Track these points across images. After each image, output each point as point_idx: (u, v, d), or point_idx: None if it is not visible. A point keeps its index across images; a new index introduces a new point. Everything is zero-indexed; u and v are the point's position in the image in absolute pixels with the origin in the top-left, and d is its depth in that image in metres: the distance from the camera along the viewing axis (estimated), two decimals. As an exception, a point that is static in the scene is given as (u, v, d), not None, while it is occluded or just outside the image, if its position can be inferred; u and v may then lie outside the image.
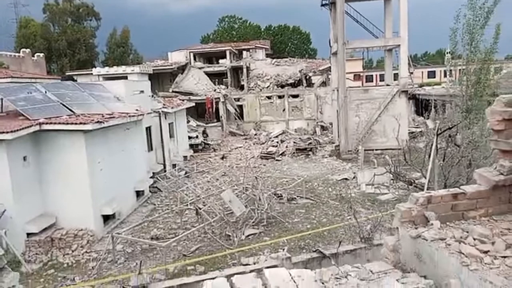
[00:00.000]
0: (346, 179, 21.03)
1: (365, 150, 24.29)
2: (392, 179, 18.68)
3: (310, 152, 28.54)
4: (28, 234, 13.11)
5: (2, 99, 15.01)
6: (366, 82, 58.27)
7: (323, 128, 37.84)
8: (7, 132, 12.09)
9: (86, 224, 13.99)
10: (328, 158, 26.97)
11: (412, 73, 34.76)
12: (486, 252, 3.71)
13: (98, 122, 14.17)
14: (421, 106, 36.92)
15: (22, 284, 10.76)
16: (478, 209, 4.50)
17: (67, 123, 13.74)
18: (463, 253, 3.69)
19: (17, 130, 12.41)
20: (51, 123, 13.63)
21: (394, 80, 31.63)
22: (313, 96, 40.04)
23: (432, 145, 12.41)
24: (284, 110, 40.43)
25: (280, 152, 28.56)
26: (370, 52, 35.36)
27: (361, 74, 59.43)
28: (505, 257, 3.65)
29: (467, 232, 4.08)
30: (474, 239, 3.90)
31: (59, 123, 13.72)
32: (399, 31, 27.22)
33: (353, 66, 52.17)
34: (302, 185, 18.78)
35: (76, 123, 13.76)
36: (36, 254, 12.93)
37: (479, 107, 15.37)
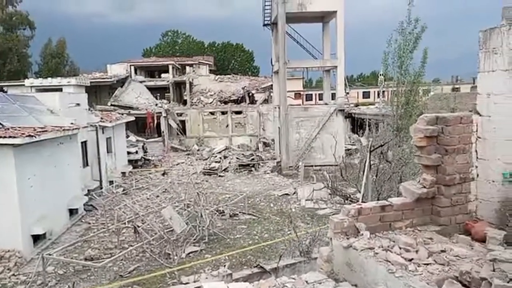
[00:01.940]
0: (287, 194, 21.43)
1: (305, 166, 25.00)
2: (330, 194, 19.36)
3: (253, 168, 28.76)
4: None
5: None
6: (306, 100, 60.23)
7: (265, 144, 38.41)
8: None
9: (14, 245, 13.02)
10: (270, 174, 27.36)
11: (348, 93, 36.57)
12: (410, 260, 4.00)
13: (29, 136, 13.37)
14: (357, 124, 38.85)
15: None
16: (404, 220, 4.84)
17: (-6, 137, 12.83)
18: (389, 261, 3.95)
19: None
20: (-25, 136, 12.66)
21: (332, 99, 32.92)
22: (255, 113, 40.65)
23: (365, 161, 13.08)
24: (227, 126, 40.60)
25: (223, 168, 28.52)
26: (309, 72, 36.70)
27: (302, 92, 61.37)
28: (427, 264, 3.95)
29: (394, 241, 4.38)
30: (400, 248, 4.19)
31: (-16, 136, 12.77)
32: (337, 53, 28.58)
33: (294, 84, 53.76)
34: (244, 201, 18.85)
35: (4, 137, 12.88)
36: (-47, 279, 11.80)
37: (409, 126, 16.46)
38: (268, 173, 27.83)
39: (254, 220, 17.40)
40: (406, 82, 16.80)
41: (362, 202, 12.89)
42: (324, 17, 30.86)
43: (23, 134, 13.31)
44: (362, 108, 41.71)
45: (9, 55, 46.69)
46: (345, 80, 29.61)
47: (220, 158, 31.35)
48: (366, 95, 63.53)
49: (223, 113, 40.93)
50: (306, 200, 19.67)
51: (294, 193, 21.35)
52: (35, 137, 13.72)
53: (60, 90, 21.62)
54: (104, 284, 11.57)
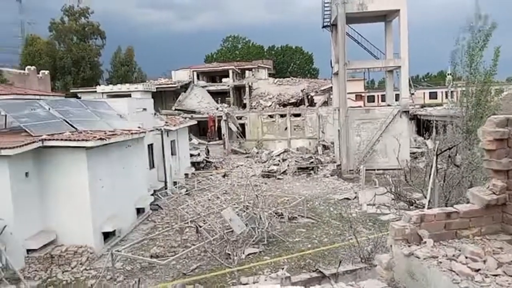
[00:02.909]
0: (347, 198, 21.00)
1: (366, 169, 24.36)
2: (393, 199, 18.68)
3: (312, 171, 28.56)
4: (28, 251, 13.12)
5: (6, 115, 15.24)
6: (368, 102, 58.61)
7: (325, 147, 37.94)
8: (10, 148, 12.24)
9: (86, 241, 14.01)
10: (330, 178, 26.98)
11: (413, 94, 35.10)
12: (477, 270, 3.78)
13: (100, 139, 14.34)
14: (422, 126, 37.10)
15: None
16: (471, 228, 4.57)
17: (69, 140, 13.90)
18: (454, 271, 3.76)
19: (20, 146, 12.56)
20: (53, 139, 13.80)
21: (396, 100, 31.87)
22: (315, 115, 40.31)
23: (432, 165, 12.49)
24: (286, 129, 40.66)
25: (281, 171, 28.59)
26: (371, 72, 35.69)
27: (363, 94, 59.83)
28: (496, 275, 3.71)
29: (460, 250, 4.15)
30: (466, 257, 3.97)
31: (62, 139, 13.88)
32: (400, 53, 27.60)
33: (354, 86, 52.59)
34: (303, 204, 18.75)
35: (78, 140, 13.93)
36: (36, 270, 12.91)
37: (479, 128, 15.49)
38: (327, 176, 27.46)
39: (313, 223, 17.25)
40: (477, 82, 15.89)
41: (428, 208, 12.33)
42: (386, 16, 29.95)
43: (94, 137, 14.30)
44: (429, 109, 39.73)
45: (82, 63, 50.32)
46: (409, 81, 28.49)
47: (279, 161, 31.46)
48: (433, 95, 60.49)
49: (282, 116, 41.04)
50: (367, 205, 19.15)
51: (355, 197, 20.88)
52: (106, 140, 14.69)
53: (129, 96, 22.92)
54: (168, 281, 12.08)
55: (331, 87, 35.88)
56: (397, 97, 31.74)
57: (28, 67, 41.41)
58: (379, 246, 11.95)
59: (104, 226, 14.90)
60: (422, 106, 47.05)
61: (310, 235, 15.84)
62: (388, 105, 30.57)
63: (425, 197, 15.07)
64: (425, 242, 4.32)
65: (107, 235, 15.26)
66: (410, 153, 27.84)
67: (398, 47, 28.28)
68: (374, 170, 26.13)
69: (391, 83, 32.46)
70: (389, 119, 27.26)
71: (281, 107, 43.06)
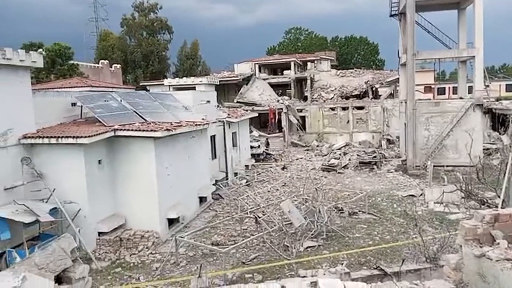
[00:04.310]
0: (412, 195, 20.16)
1: (434, 166, 23.17)
2: (463, 198, 17.62)
3: (375, 166, 27.75)
4: (99, 233, 14.11)
5: (81, 106, 16.37)
6: (438, 94, 55.50)
7: (389, 141, 36.62)
8: (85, 137, 13.21)
9: (152, 227, 14.77)
10: (394, 173, 26.05)
11: (488, 86, 32.60)
12: (560, 277, 3.46)
13: (167, 129, 15.01)
14: (498, 121, 34.50)
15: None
16: (553, 231, 4.19)
17: (139, 130, 14.70)
18: (532, 276, 3.47)
19: (94, 135, 13.50)
20: (124, 129, 14.65)
21: (469, 93, 29.96)
22: (379, 108, 38.98)
23: (508, 162, 11.58)
24: (348, 122, 39.75)
25: (342, 165, 28.07)
26: (442, 63, 33.63)
27: (432, 86, 56.71)
28: None
29: (539, 254, 3.82)
30: (547, 262, 3.65)
31: (132, 129, 14.71)
32: (474, 42, 25.82)
33: (423, 77, 50.02)
34: (365, 200, 18.31)
35: (147, 130, 14.68)
36: (106, 252, 13.85)
37: None
38: (391, 172, 26.52)
39: (375, 220, 16.79)
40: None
41: (501, 208, 11.48)
42: (459, 3, 28.12)
43: (162, 128, 14.98)
44: (505, 103, 36.75)
45: (151, 57, 52.78)
46: (484, 72, 26.51)
47: (340, 154, 30.88)
48: (509, 88, 55.92)
49: (344, 108, 40.17)
50: (434, 203, 18.24)
51: (421, 194, 19.97)
52: (172, 131, 15.37)
53: (193, 88, 23.66)
54: (228, 268, 12.40)
55: (398, 78, 34.53)
56: (470, 90, 29.91)
57: (102, 61, 44.27)
58: (446, 246, 11.41)
59: (169, 212, 15.60)
60: (498, 99, 43.64)
61: (371, 231, 15.44)
62: (460, 98, 28.82)
63: (499, 196, 14.06)
64: (498, 243, 4.02)
65: (171, 222, 15.98)
66: (483, 149, 26.08)
67: (471, 36, 26.52)
68: (443, 166, 24.82)
69: (464, 75, 30.54)
70: (461, 112, 25.70)
71: (344, 99, 42.13)
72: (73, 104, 16.39)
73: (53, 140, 13.37)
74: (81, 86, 22.45)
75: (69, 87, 21.96)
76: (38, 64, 14.04)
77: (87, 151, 13.58)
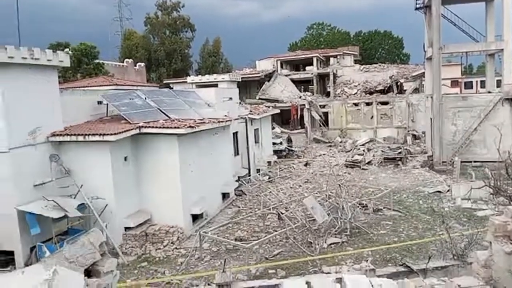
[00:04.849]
0: (439, 192, 19.77)
1: (461, 161, 22.63)
2: (491, 194, 17.14)
3: (400, 162, 27.31)
4: (126, 228, 14.40)
5: (107, 104, 16.71)
6: (465, 89, 53.95)
7: (415, 137, 35.96)
8: (111, 134, 13.48)
9: (177, 222, 14.98)
10: (420, 169, 25.58)
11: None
12: None
13: (190, 126, 15.16)
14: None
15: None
16: None
17: (163, 127, 14.91)
18: None
19: (120, 132, 13.76)
20: (149, 126, 14.89)
21: (497, 87, 29.08)
22: (404, 103, 38.27)
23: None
24: (372, 117, 39.19)
25: (366, 161, 27.77)
26: (469, 57, 32.71)
27: (459, 80, 55.19)
28: None
29: None
30: None
31: (156, 127, 14.93)
32: (503, 35, 25.05)
33: (450, 71, 48.66)
34: (390, 196, 18.10)
35: (171, 127, 14.88)
36: (132, 247, 14.14)
37: None
38: (417, 168, 26.06)
39: (400, 216, 16.56)
40: None
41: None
42: (488, -6, 27.26)
43: (185, 125, 15.14)
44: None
45: (174, 55, 53.32)
46: (513, 64, 25.67)
47: (364, 150, 30.53)
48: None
49: (368, 104, 39.61)
50: (462, 199, 17.82)
51: (448, 190, 19.54)
52: (195, 127, 15.50)
53: (216, 85, 23.77)
54: (251, 264, 12.47)
55: (423, 72, 33.86)
56: (498, 83, 29.03)
57: (126, 60, 45.03)
58: (474, 243, 11.14)
59: (193, 208, 15.79)
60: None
61: (396, 228, 15.23)
62: (489, 92, 28.04)
63: (531, 193, 13.59)
64: (531, 240, 3.90)
65: (195, 217, 16.17)
66: (514, 144, 25.25)
67: (500, 28, 25.79)
68: (471, 162, 24.25)
69: (492, 68, 29.77)
70: (489, 107, 25.03)
71: (367, 95, 41.53)
72: (99, 103, 16.75)
73: (80, 138, 13.70)
74: (107, 85, 22.91)
75: (95, 86, 22.46)
76: (65, 63, 14.41)
77: (113, 148, 13.86)
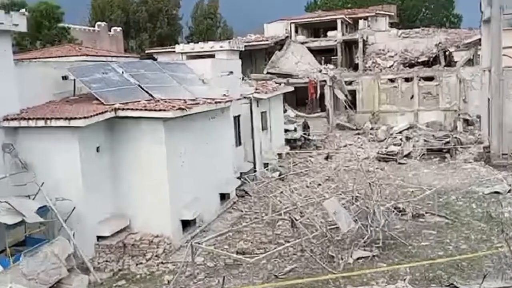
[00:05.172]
0: (498, 192, 19.85)
1: (527, 154, 22.62)
2: None
3: (448, 155, 27.50)
4: (99, 238, 14.53)
5: (75, 79, 16.73)
6: (534, 60, 53.59)
7: (467, 122, 35.89)
8: (80, 118, 13.48)
9: (163, 230, 15.09)
10: (473, 164, 25.67)
11: None
12: None
13: (180, 109, 15.16)
14: None
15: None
16: None
17: (146, 110, 14.93)
18: None
19: (91, 116, 13.79)
20: (127, 109, 14.90)
21: None
22: (454, 78, 38.10)
23: None
24: (412, 97, 39.07)
25: (404, 153, 27.94)
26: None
27: (526, 49, 54.78)
28: None
29: None
30: None
31: (137, 109, 14.95)
32: None
33: (514, 38, 48.34)
34: (434, 198, 18.19)
35: (155, 110, 14.90)
36: (106, 261, 14.27)
37: None
38: (470, 162, 26.14)
39: (448, 224, 16.68)
40: None
41: None
42: None
43: (173, 107, 15.15)
44: None
45: (159, 17, 53.19)
46: None
47: (401, 139, 30.58)
48: None
49: (407, 80, 39.46)
50: (527, 202, 17.85)
51: (509, 191, 19.64)
52: (187, 110, 15.51)
53: (212, 56, 23.71)
54: (257, 284, 12.57)
55: (479, 39, 33.73)
56: None
57: (98, 23, 45.06)
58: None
59: (184, 212, 15.90)
60: None
61: (442, 239, 15.35)
62: None
63: None
64: None
65: (186, 224, 16.30)
66: None
67: None
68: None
69: None
70: None
71: (407, 67, 41.36)
72: (65, 78, 16.76)
73: (41, 123, 13.78)
74: (74, 55, 22.95)
75: (59, 57, 22.49)
76: (20, 27, 14.43)
77: (82, 136, 13.92)
